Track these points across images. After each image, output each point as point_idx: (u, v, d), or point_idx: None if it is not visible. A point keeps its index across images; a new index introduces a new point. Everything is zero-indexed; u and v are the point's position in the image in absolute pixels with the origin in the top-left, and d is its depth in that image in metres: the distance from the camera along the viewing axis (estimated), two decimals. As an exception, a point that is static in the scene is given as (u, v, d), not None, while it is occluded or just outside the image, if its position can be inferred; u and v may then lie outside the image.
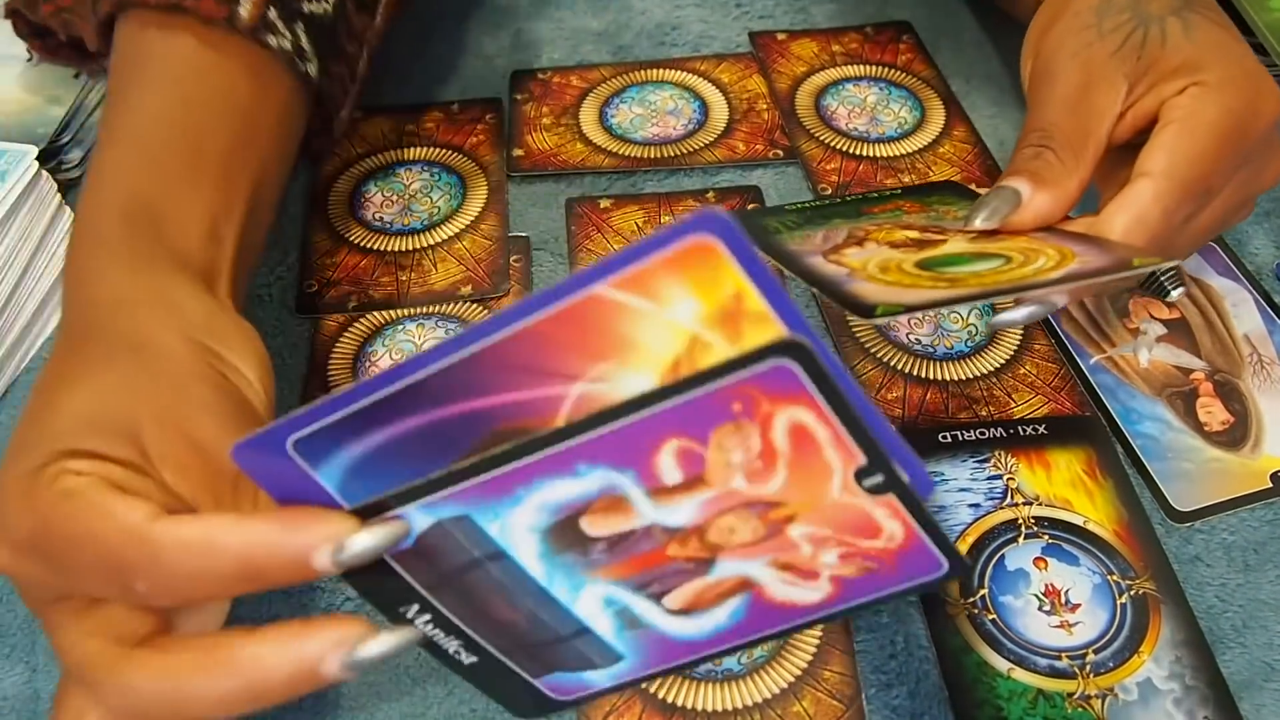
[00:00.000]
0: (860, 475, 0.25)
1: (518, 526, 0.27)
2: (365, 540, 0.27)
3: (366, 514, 0.27)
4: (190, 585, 0.29)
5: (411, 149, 0.58)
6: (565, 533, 0.27)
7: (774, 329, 0.24)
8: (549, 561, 0.28)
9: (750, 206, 0.54)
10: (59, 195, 0.50)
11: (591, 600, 0.29)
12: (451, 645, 0.30)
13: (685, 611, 0.29)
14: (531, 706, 0.31)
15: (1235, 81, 0.38)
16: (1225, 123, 0.38)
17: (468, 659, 0.30)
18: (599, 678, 0.31)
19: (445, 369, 0.25)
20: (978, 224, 0.38)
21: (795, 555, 0.27)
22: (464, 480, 0.26)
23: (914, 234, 0.38)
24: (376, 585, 0.28)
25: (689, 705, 0.38)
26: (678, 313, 0.23)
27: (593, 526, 0.27)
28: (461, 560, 0.28)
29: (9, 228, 0.47)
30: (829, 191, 0.55)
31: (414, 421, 0.26)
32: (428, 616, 0.29)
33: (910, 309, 0.31)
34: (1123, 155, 0.40)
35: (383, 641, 0.28)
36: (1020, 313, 0.35)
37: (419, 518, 0.27)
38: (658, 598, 0.28)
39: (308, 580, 0.28)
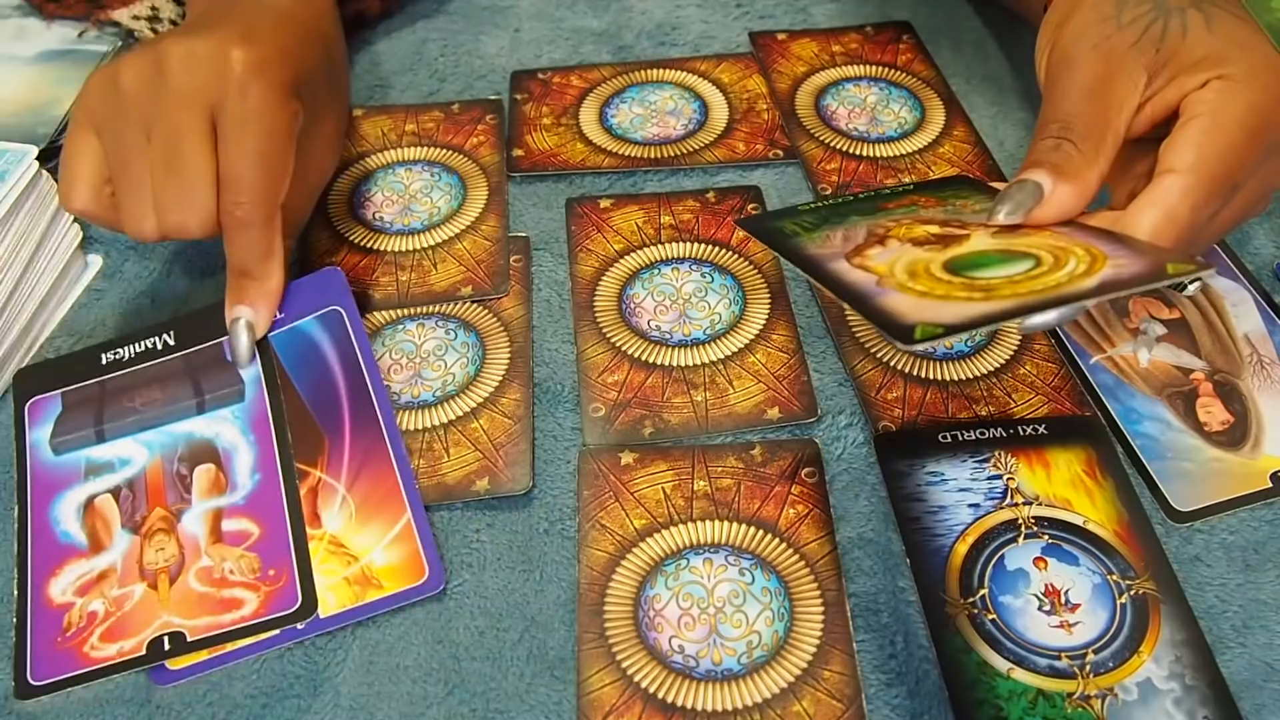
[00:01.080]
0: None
1: None
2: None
3: None
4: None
5: (411, 149, 0.58)
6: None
7: None
8: None
9: (752, 209, 0.54)
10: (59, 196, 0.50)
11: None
12: None
13: None
14: None
15: (1259, 75, 0.38)
16: (1252, 118, 0.37)
17: None
18: None
19: None
20: (1000, 219, 0.37)
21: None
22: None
23: (935, 229, 0.38)
24: None
25: (689, 705, 0.38)
26: None
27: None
28: None
29: (9, 228, 0.47)
30: (829, 191, 0.55)
31: None
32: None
33: (950, 330, 0.30)
34: (1137, 148, 0.40)
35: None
36: (1051, 314, 0.34)
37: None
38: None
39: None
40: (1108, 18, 0.40)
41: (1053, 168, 0.37)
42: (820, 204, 0.42)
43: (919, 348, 0.30)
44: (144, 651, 0.39)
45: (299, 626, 0.40)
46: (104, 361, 0.47)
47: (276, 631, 0.40)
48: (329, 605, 0.40)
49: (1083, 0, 0.41)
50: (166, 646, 0.39)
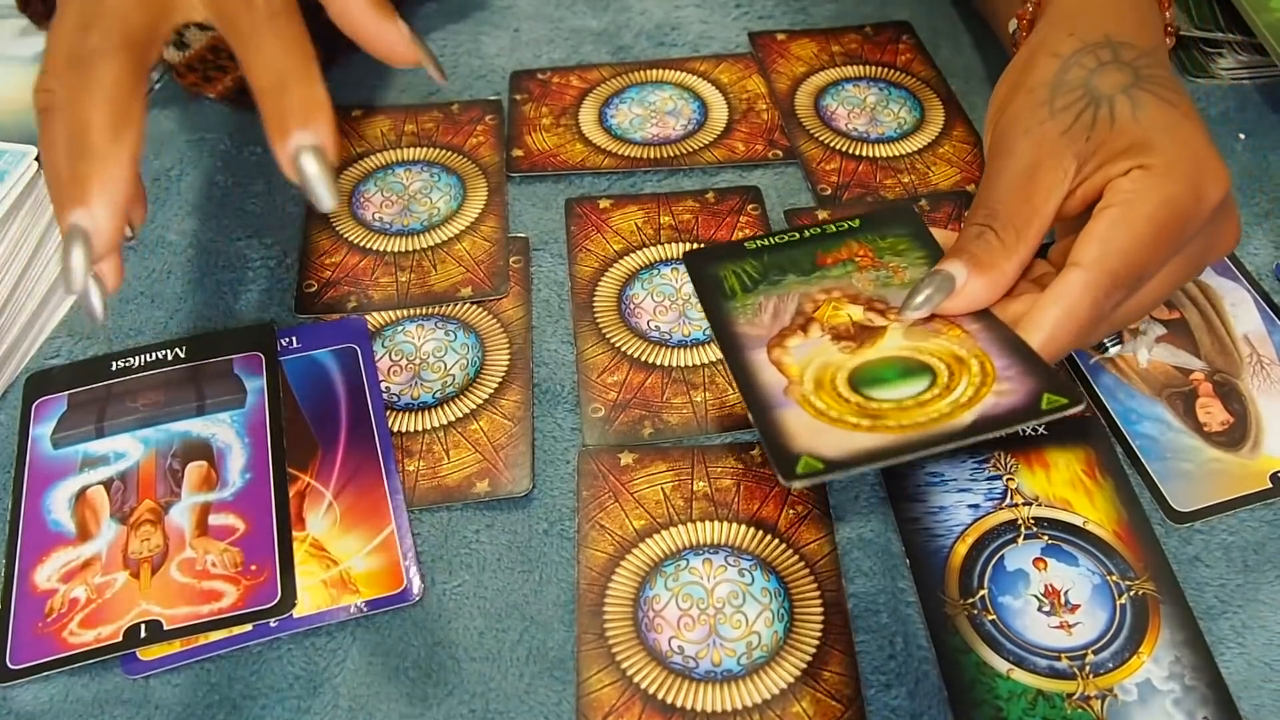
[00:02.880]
0: None
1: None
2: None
3: None
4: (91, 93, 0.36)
5: (411, 149, 0.58)
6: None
7: None
8: None
9: (751, 209, 0.54)
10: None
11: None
12: None
13: None
14: None
15: (1179, 166, 0.38)
16: (1162, 214, 0.37)
17: None
18: None
19: None
20: (909, 315, 0.38)
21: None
22: None
23: (859, 314, 0.39)
24: None
25: (688, 705, 0.38)
26: None
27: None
28: None
29: (9, 228, 0.47)
30: (828, 192, 0.55)
31: None
32: None
33: (831, 468, 0.33)
34: (1078, 223, 0.40)
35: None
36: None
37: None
38: None
39: None
40: (1042, 103, 0.40)
41: (971, 258, 0.38)
42: (764, 243, 0.43)
43: (797, 484, 0.33)
44: (121, 638, 0.39)
45: (272, 624, 0.40)
46: (113, 368, 0.47)
47: (250, 627, 0.40)
48: (304, 606, 0.40)
49: (1022, 82, 0.41)
50: (143, 634, 0.39)
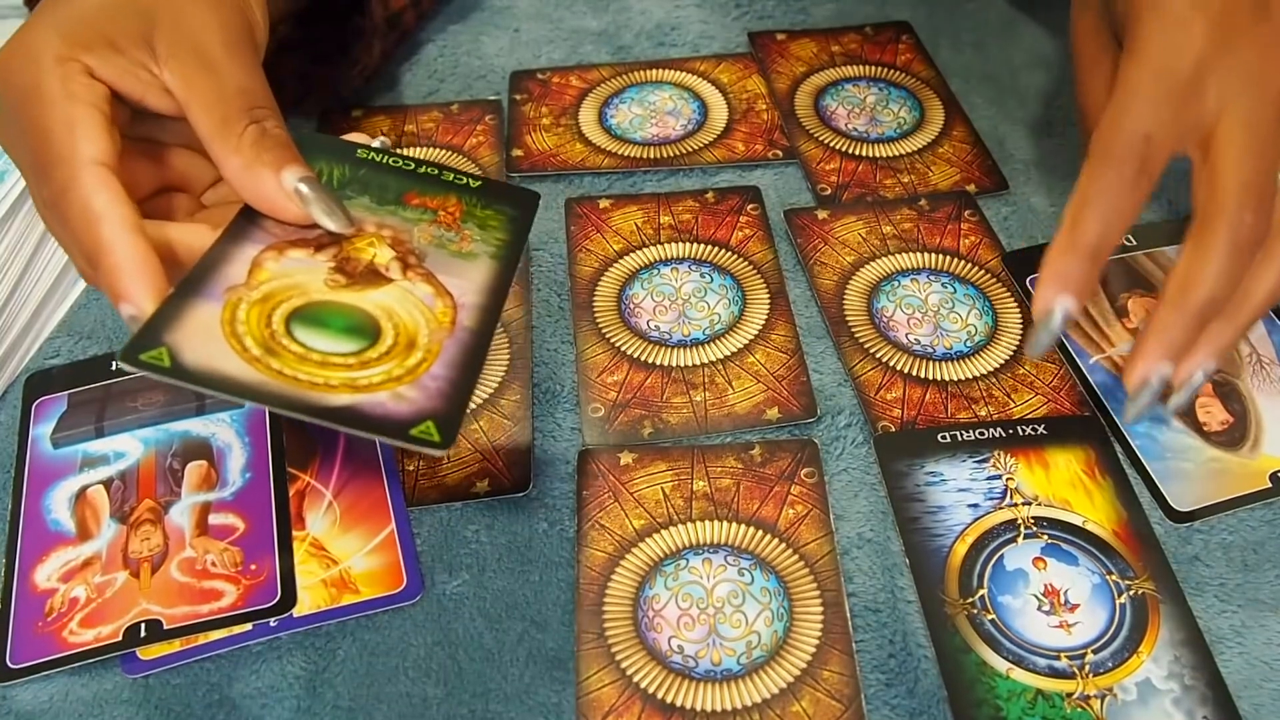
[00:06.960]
0: None
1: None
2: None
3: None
4: (67, 226, 0.34)
5: (410, 149, 0.58)
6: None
7: None
8: None
9: (751, 209, 0.54)
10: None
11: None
12: None
13: None
14: None
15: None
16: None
17: None
18: None
19: None
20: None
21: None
22: None
23: (385, 259, 0.37)
24: None
25: (688, 705, 0.38)
26: None
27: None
28: None
29: (9, 228, 0.47)
30: (828, 192, 0.55)
31: None
32: None
33: (177, 373, 0.31)
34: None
35: None
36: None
37: None
38: None
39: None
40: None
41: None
42: (373, 158, 0.40)
43: (127, 365, 0.30)
44: (120, 638, 0.39)
45: (272, 623, 0.40)
46: (114, 368, 0.48)
47: (249, 626, 0.40)
48: (304, 605, 0.40)
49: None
50: (143, 633, 0.39)
